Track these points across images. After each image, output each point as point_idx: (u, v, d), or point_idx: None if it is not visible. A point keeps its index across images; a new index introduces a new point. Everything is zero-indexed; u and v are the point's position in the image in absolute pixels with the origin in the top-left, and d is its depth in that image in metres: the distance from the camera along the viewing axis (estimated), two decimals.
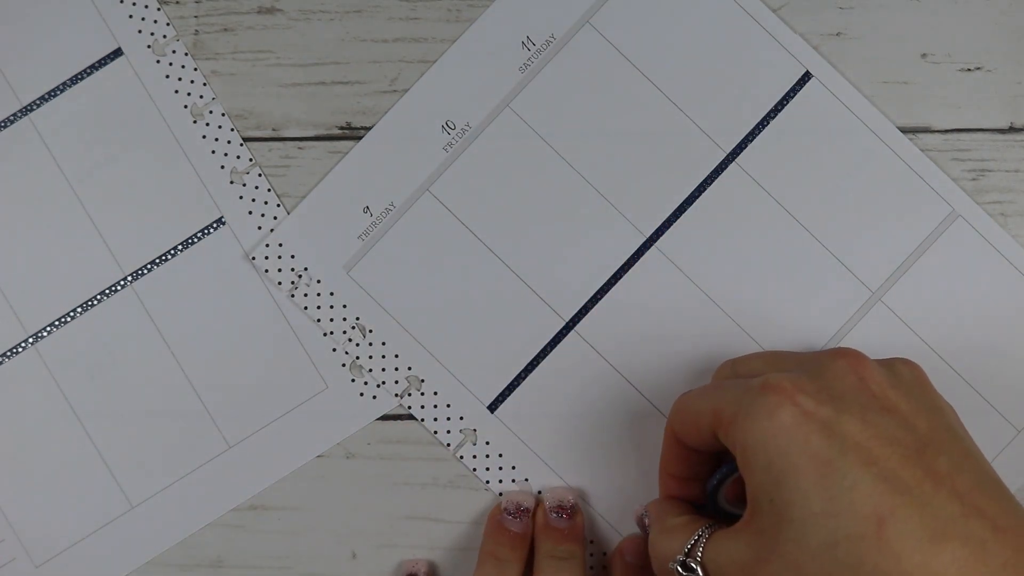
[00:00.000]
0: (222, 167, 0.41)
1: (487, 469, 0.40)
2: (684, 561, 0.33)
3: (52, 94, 0.41)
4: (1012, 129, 0.41)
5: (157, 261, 0.41)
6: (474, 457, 0.40)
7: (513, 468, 0.40)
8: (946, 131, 0.41)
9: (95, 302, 0.41)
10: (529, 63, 0.41)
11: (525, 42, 0.41)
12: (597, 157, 0.41)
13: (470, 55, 0.41)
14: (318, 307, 0.41)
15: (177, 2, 0.42)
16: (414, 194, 0.41)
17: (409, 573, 0.39)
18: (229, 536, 0.40)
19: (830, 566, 0.29)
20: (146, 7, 0.42)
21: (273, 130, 0.41)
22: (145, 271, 0.41)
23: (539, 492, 0.40)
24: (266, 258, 0.41)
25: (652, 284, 0.40)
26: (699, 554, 0.33)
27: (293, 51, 0.42)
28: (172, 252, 0.41)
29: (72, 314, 0.41)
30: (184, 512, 0.40)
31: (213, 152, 0.41)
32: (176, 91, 0.41)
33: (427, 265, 0.41)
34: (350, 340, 0.41)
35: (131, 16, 0.42)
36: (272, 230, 0.41)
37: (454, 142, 0.41)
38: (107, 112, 0.41)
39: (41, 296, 0.41)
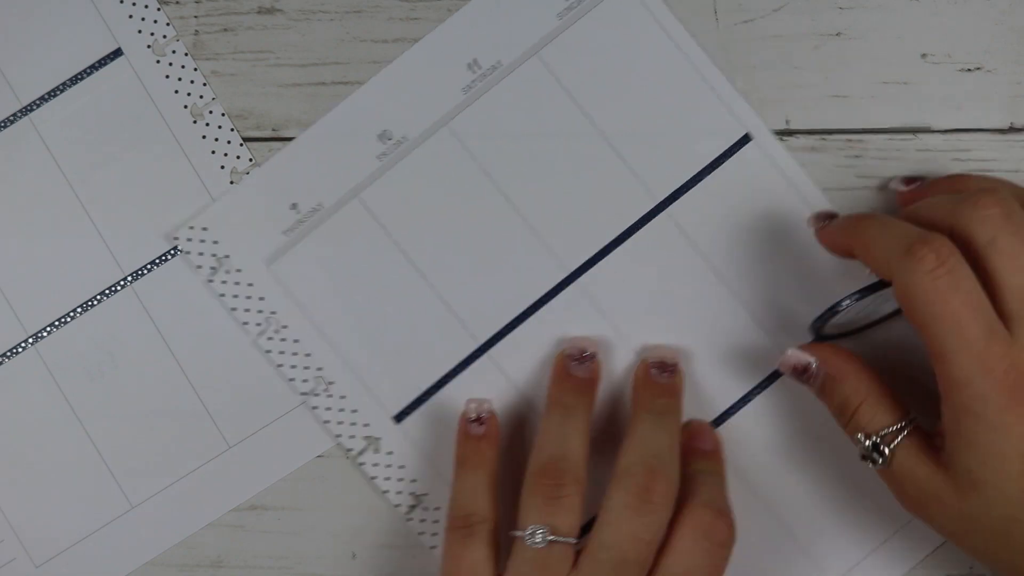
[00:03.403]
0: (222, 167, 0.41)
1: (387, 479, 0.40)
2: (876, 444, 0.34)
3: (52, 94, 0.41)
4: (1012, 129, 0.41)
5: (157, 261, 0.41)
6: (375, 465, 0.40)
7: (414, 481, 0.40)
8: (946, 131, 0.41)
9: (95, 302, 0.41)
10: (473, 85, 0.41)
11: (471, 64, 0.41)
12: (529, 187, 0.40)
13: (416, 68, 0.41)
14: (235, 296, 0.40)
15: (177, 2, 0.42)
16: (343, 198, 0.41)
17: (476, 417, 0.39)
18: (229, 536, 0.40)
19: (1005, 532, 0.32)
20: (146, 7, 0.42)
21: (273, 130, 0.41)
22: (145, 271, 0.41)
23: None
24: (188, 240, 0.41)
25: (569, 318, 0.40)
26: (892, 445, 0.33)
27: (293, 51, 0.42)
28: (172, 252, 0.41)
29: (72, 314, 0.41)
30: (184, 512, 0.40)
31: (213, 152, 0.41)
32: (176, 91, 0.41)
33: (348, 270, 0.40)
34: (261, 334, 0.40)
35: (131, 16, 0.42)
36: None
37: (388, 152, 0.41)
38: (107, 112, 0.41)
39: (41, 296, 0.41)
